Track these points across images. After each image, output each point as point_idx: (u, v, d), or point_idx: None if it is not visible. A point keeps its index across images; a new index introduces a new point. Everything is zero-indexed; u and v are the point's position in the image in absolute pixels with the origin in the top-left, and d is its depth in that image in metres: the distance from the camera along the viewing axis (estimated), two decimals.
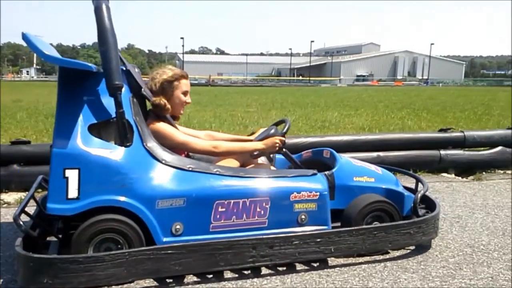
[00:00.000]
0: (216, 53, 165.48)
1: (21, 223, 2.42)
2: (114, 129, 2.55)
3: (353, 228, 2.78)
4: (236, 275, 2.67)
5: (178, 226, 2.59)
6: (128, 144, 2.53)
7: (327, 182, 2.90)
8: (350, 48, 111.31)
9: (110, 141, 2.54)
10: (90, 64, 2.43)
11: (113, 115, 2.52)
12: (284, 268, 2.75)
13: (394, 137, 5.69)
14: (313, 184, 2.82)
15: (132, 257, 2.42)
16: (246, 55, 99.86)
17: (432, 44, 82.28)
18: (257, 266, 2.67)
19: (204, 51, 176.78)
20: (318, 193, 2.80)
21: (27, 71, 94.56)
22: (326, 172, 2.95)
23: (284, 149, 3.01)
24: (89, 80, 2.56)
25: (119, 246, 2.52)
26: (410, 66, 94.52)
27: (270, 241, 2.62)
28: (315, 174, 2.89)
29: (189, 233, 2.62)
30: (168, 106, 2.80)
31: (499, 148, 5.73)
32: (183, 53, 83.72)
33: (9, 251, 2.99)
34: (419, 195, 3.08)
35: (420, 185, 3.36)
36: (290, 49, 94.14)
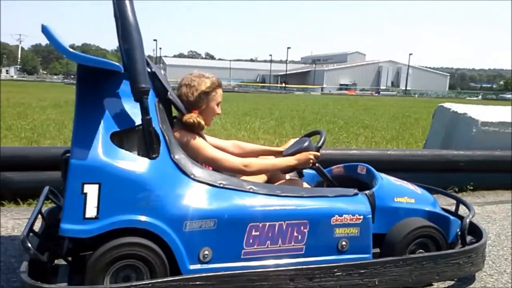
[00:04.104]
0: (205, 58, 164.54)
1: (30, 245, 2.08)
2: (138, 138, 2.25)
3: (401, 257, 2.52)
4: None
5: (206, 252, 2.28)
6: (154, 155, 2.23)
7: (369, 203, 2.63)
8: (336, 56, 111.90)
9: (133, 151, 2.23)
10: (118, 64, 2.13)
11: (137, 122, 2.23)
12: None
13: None
14: (355, 206, 2.55)
15: None
16: (230, 60, 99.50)
17: (410, 54, 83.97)
18: None
19: (193, 55, 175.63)
20: (361, 217, 2.52)
21: (7, 70, 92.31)
22: (367, 192, 2.67)
23: (317, 164, 2.74)
24: (110, 82, 2.26)
25: (139, 274, 2.21)
26: (394, 76, 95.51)
27: (310, 272, 2.35)
28: (356, 194, 2.61)
29: (219, 260, 2.32)
30: (203, 123, 2.53)
31: None
32: (156, 56, 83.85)
33: None
34: (468, 220, 2.81)
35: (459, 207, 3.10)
36: (270, 55, 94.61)
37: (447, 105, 6.61)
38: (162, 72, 2.59)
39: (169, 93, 2.48)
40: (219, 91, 2.62)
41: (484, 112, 6.12)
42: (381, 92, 71.77)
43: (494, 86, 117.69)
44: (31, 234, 2.29)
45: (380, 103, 32.28)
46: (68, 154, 2.21)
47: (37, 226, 2.45)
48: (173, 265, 2.24)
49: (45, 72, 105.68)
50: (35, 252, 2.12)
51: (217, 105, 2.63)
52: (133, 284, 2.09)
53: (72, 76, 78.43)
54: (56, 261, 2.46)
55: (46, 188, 2.88)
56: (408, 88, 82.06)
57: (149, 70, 2.36)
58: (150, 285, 2.11)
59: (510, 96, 66.72)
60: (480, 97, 72.25)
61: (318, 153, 2.69)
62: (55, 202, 2.84)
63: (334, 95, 56.82)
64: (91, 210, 2.09)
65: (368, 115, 18.49)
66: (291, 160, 2.65)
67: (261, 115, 16.23)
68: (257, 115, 16.39)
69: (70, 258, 2.38)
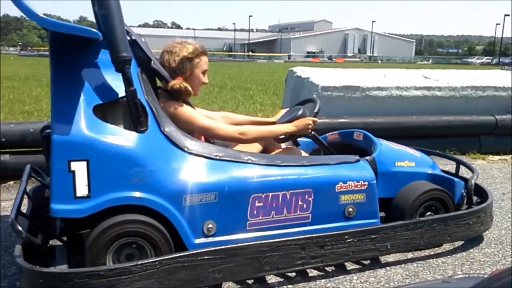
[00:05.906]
0: (171, 27, 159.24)
1: (20, 229, 1.92)
2: (123, 111, 2.09)
3: (411, 221, 2.49)
4: (281, 279, 2.32)
5: (210, 225, 2.18)
6: (142, 129, 2.08)
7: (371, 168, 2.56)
8: (303, 24, 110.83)
9: (118, 125, 2.07)
10: (95, 31, 1.93)
11: (120, 94, 2.06)
12: (333, 269, 2.43)
13: None
14: (359, 172, 2.48)
15: (163, 266, 2.00)
16: (195, 30, 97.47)
17: (373, 21, 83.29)
18: (306, 268, 2.33)
19: (159, 25, 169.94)
20: (366, 182, 2.46)
21: None
22: (368, 158, 2.61)
23: (313, 132, 2.64)
24: (88, 51, 2.07)
25: (143, 252, 2.10)
26: (360, 44, 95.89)
27: (321, 239, 2.28)
28: (358, 160, 2.54)
29: (223, 232, 2.22)
30: (190, 90, 2.34)
31: None
32: None
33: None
34: (473, 181, 2.81)
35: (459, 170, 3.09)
36: (234, 23, 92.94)
37: (296, 69, 5.79)
38: (143, 39, 2.40)
39: (152, 62, 2.29)
40: (204, 58, 2.44)
41: (330, 76, 5.41)
42: (346, 59, 71.28)
43: (459, 51, 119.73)
44: (26, 216, 2.16)
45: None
46: (49, 130, 2.04)
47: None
48: (177, 241, 2.14)
49: (1, 44, 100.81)
50: (27, 235, 1.98)
51: (203, 73, 2.44)
52: (139, 262, 1.97)
53: (29, 48, 75.02)
54: (51, 242, 2.31)
55: (28, 167, 2.69)
56: (374, 55, 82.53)
57: (129, 38, 2.16)
58: (157, 262, 1.99)
59: (472, 60, 67.80)
60: (430, 61, 71.40)
61: (316, 119, 2.59)
62: (39, 180, 2.67)
63: (297, 62, 56.26)
64: (82, 189, 1.96)
65: None
66: (289, 127, 2.52)
67: None
68: None
69: (65, 238, 2.24)
